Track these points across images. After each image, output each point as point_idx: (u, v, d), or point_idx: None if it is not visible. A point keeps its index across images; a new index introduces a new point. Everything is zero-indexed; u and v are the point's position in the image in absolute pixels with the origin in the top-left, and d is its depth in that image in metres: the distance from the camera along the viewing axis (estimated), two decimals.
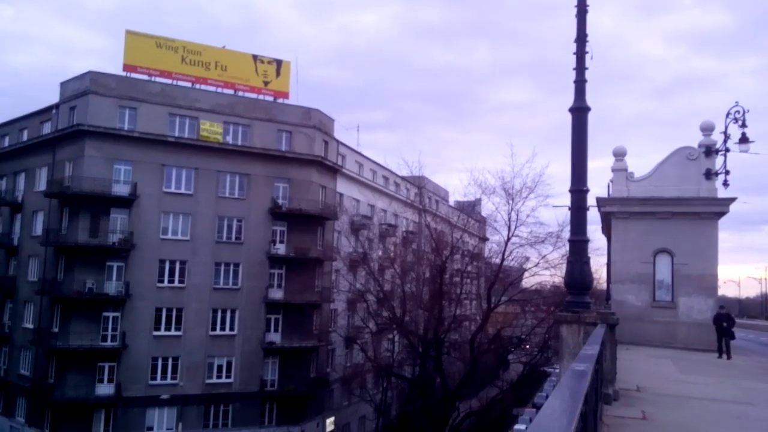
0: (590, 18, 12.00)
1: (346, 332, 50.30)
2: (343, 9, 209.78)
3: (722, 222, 21.52)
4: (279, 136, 47.27)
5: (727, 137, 18.78)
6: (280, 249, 45.95)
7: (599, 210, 22.93)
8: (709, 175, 20.47)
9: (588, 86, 12.08)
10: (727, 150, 18.94)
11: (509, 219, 39.39)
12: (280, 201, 46.27)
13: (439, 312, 41.69)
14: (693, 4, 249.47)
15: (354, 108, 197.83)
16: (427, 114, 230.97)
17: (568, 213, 12.78)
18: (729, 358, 18.37)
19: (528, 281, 46.01)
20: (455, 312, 44.26)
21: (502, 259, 41.36)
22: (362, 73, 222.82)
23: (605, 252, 30.78)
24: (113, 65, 43.94)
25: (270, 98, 48.34)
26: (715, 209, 20.93)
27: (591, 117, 12.07)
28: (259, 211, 45.65)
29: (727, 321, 18.81)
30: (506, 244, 40.34)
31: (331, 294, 48.76)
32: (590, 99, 11.91)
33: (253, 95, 47.74)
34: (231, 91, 46.94)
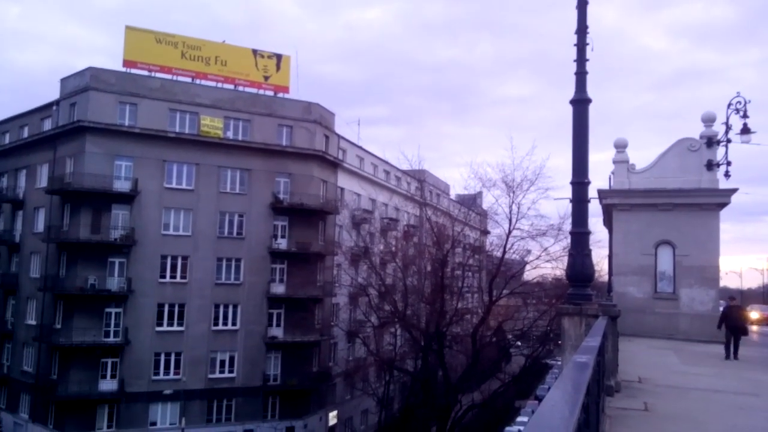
0: (593, 12, 11.97)
1: (348, 326, 50.35)
2: (347, 5, 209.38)
3: (724, 213, 21.47)
4: (279, 131, 47.23)
5: (728, 128, 18.73)
6: (282, 244, 45.97)
7: (600, 202, 22.90)
8: (711, 166, 20.40)
9: (590, 79, 12.03)
10: (729, 141, 18.89)
11: (510, 212, 39.32)
12: (281, 196, 46.28)
13: (440, 305, 41.69)
14: None
15: (357, 103, 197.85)
16: (429, 108, 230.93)
17: (570, 205, 12.78)
18: (736, 357, 16.69)
19: (529, 274, 46.02)
20: (457, 305, 44.27)
21: (504, 252, 41.32)
22: (365, 68, 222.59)
23: (607, 244, 30.76)
24: (117, 62, 44.23)
25: (270, 93, 48.27)
26: (716, 200, 20.87)
27: (592, 110, 12.03)
28: (260, 206, 45.65)
29: (738, 316, 17.26)
30: (507, 236, 40.28)
31: (333, 288, 48.80)
32: (592, 92, 11.87)
33: (254, 90, 47.66)
34: (231, 86, 46.86)
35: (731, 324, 17.03)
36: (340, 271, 50.45)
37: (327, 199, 48.84)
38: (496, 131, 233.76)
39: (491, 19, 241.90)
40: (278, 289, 45.66)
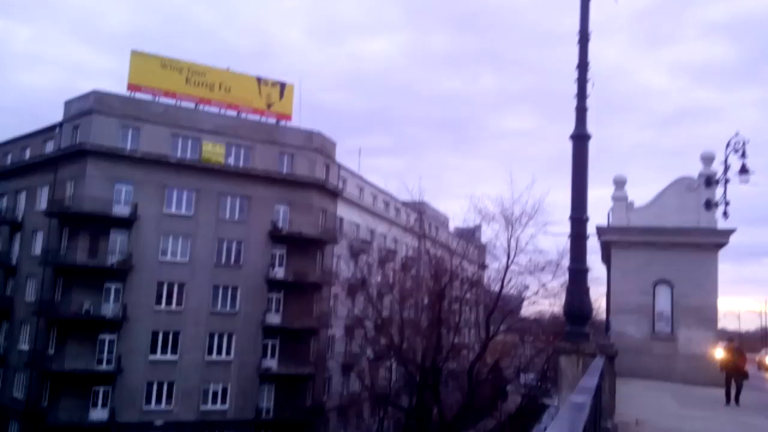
0: (594, 49, 11.98)
1: (343, 359, 49.79)
2: (353, 36, 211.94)
3: (722, 253, 21.35)
4: (281, 159, 47.38)
5: (727, 167, 18.65)
6: (279, 273, 45.71)
7: (599, 239, 22.77)
8: (709, 205, 20.31)
9: (590, 115, 12.00)
10: (727, 180, 18.83)
11: (508, 246, 39.12)
12: (280, 224, 46.18)
13: (437, 340, 41.27)
14: (697, 37, 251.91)
15: (359, 132, 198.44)
16: (431, 140, 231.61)
17: (568, 241, 12.66)
18: (737, 403, 16.13)
19: (527, 310, 45.68)
20: (453, 340, 43.83)
21: (501, 287, 41.01)
22: (369, 98, 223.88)
23: (605, 281, 30.56)
24: (123, 85, 44.28)
25: (273, 120, 48.56)
26: (715, 240, 20.77)
27: (592, 146, 11.96)
28: (259, 233, 45.52)
29: (739, 359, 16.67)
30: (505, 271, 40.02)
31: (329, 320, 48.38)
32: (592, 128, 11.82)
33: (256, 117, 47.95)
34: (234, 113, 47.16)
35: (731, 367, 16.58)
36: (336, 303, 50.08)
37: (326, 228, 48.76)
38: (496, 164, 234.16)
39: (495, 52, 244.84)
40: (274, 319, 45.24)
